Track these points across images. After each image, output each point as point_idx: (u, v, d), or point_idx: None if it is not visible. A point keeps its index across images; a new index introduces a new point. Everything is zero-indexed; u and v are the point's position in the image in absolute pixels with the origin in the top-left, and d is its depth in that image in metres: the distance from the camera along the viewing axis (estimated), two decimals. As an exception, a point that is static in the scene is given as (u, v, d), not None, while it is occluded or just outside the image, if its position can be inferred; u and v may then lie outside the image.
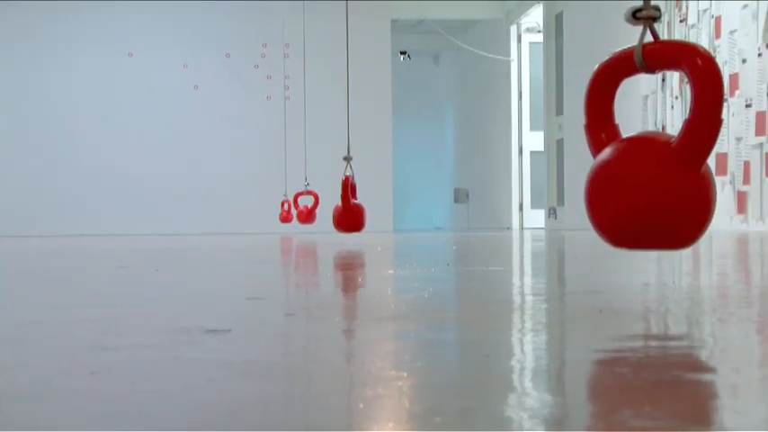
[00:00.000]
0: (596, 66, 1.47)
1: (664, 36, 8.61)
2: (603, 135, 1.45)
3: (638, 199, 1.35)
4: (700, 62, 1.33)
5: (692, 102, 1.33)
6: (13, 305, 1.88)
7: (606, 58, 1.46)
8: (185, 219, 11.97)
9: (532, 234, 8.54)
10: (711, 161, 7.79)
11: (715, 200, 1.38)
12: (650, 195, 1.34)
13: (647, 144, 1.39)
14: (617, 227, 1.39)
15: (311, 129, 10.24)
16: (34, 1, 11.87)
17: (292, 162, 10.24)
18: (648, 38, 1.41)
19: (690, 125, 1.33)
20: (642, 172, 1.35)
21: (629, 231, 1.38)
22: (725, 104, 7.60)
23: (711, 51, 7.83)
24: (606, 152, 1.42)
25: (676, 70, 1.37)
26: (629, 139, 1.42)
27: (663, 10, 8.56)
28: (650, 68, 1.40)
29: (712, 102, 1.32)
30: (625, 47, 1.43)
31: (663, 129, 8.56)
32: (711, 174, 1.38)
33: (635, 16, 1.42)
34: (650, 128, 8.52)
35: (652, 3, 1.42)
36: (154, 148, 12.08)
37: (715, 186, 1.38)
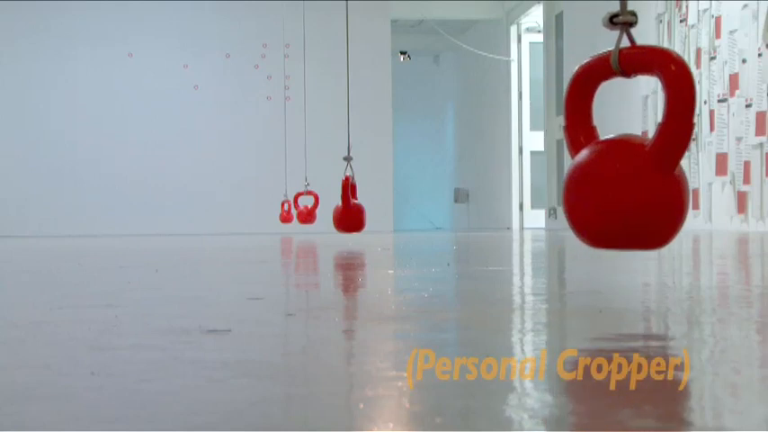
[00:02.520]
0: (575, 69, 1.49)
1: (664, 36, 8.62)
2: (582, 137, 1.48)
3: (612, 200, 1.38)
4: (673, 67, 1.35)
5: (665, 106, 1.36)
6: (12, 305, 1.88)
7: (585, 61, 1.48)
8: (185, 219, 11.97)
9: (532, 234, 8.54)
10: (712, 161, 7.80)
11: (688, 201, 1.40)
12: (624, 197, 1.37)
13: (623, 147, 1.42)
14: (592, 227, 1.42)
15: (311, 129, 10.24)
16: (34, 1, 11.87)
17: (292, 162, 10.24)
18: (626, 42, 1.43)
19: (663, 129, 1.36)
20: (616, 174, 1.38)
21: (603, 232, 1.41)
22: (725, 104, 7.62)
23: (711, 51, 7.84)
24: (582, 154, 1.45)
25: (651, 75, 1.39)
26: (605, 142, 1.45)
27: (663, 10, 8.53)
28: (626, 73, 1.43)
29: (685, 106, 1.35)
30: (602, 51, 1.45)
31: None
32: (685, 176, 1.41)
33: (612, 21, 1.44)
34: (650, 128, 8.53)
35: (629, 9, 1.44)
36: (154, 149, 12.08)
37: (688, 188, 1.41)
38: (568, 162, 1.49)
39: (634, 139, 1.43)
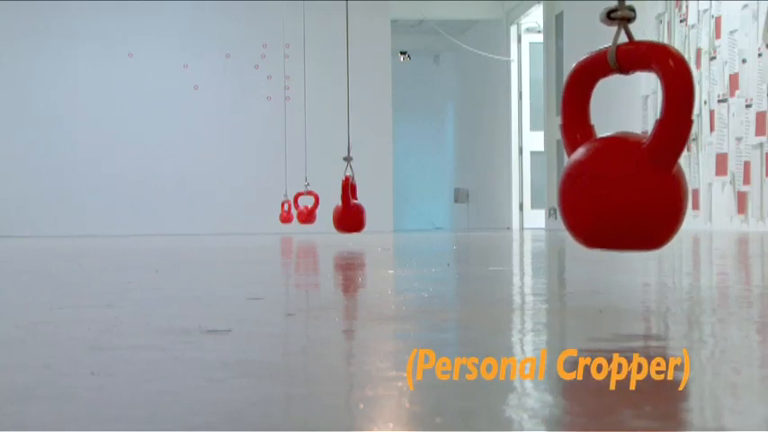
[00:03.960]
0: (572, 66, 1.47)
1: (664, 36, 8.62)
2: (579, 135, 1.45)
3: (609, 199, 1.35)
4: (671, 63, 1.33)
5: (662, 102, 1.33)
6: (12, 305, 1.88)
7: (582, 58, 1.46)
8: (185, 219, 11.97)
9: (533, 234, 8.54)
10: (712, 161, 7.80)
11: (687, 200, 1.37)
12: (621, 196, 1.34)
13: (619, 144, 1.39)
14: (588, 227, 1.39)
15: (311, 129, 10.24)
16: (34, 1, 11.87)
17: (292, 162, 10.24)
18: (624, 39, 1.41)
19: (661, 126, 1.33)
20: (613, 172, 1.35)
21: (600, 232, 1.38)
22: (725, 104, 7.61)
23: (711, 51, 7.84)
24: (579, 152, 1.41)
25: (649, 71, 1.37)
26: (602, 140, 1.42)
27: (663, 10, 8.53)
28: (624, 69, 1.40)
29: (683, 103, 1.32)
30: (600, 47, 1.43)
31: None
32: (683, 174, 1.38)
33: (609, 17, 1.42)
34: (651, 128, 8.52)
35: (627, 3, 1.42)
36: (154, 149, 12.08)
37: (687, 187, 1.38)
38: (566, 161, 1.48)
39: (631, 136, 1.40)
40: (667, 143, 1.33)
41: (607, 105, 8.61)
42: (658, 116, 1.33)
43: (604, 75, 1.44)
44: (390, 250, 4.79)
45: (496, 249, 4.83)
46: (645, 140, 1.36)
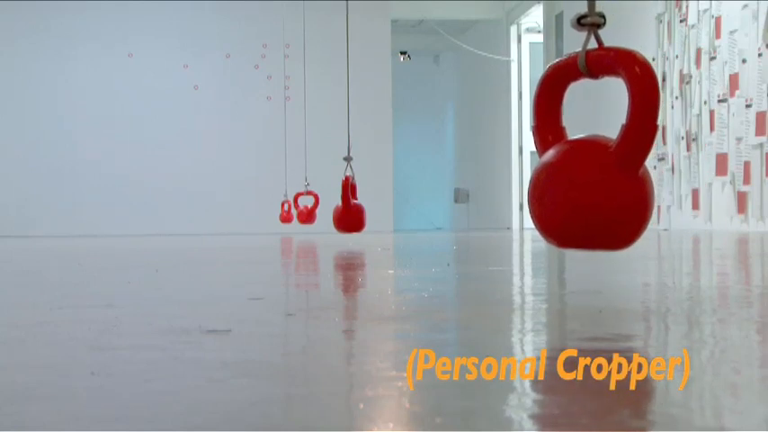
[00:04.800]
0: (544, 69, 1.51)
1: (664, 36, 8.62)
2: (550, 137, 1.48)
3: (577, 200, 1.38)
4: (637, 69, 1.36)
5: (628, 107, 1.36)
6: (12, 305, 1.88)
7: (554, 61, 1.50)
8: (185, 219, 11.97)
9: (532, 234, 8.54)
10: (711, 161, 7.80)
11: (653, 202, 1.41)
12: (587, 197, 1.37)
13: (588, 147, 1.43)
14: (558, 227, 1.43)
15: (311, 129, 10.24)
16: (34, 1, 11.87)
17: (292, 162, 10.24)
18: (593, 44, 1.44)
19: (627, 131, 1.36)
20: (581, 174, 1.39)
21: (569, 232, 1.42)
22: (725, 104, 7.62)
23: (711, 51, 7.84)
24: (549, 154, 1.45)
25: (616, 76, 1.40)
26: (571, 142, 1.46)
27: (663, 10, 8.53)
28: (593, 74, 1.44)
29: (648, 108, 1.35)
30: (571, 52, 1.46)
31: (663, 129, 8.56)
32: (650, 176, 1.42)
33: (579, 23, 1.45)
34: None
35: (597, 10, 1.45)
36: (154, 149, 12.08)
37: (653, 189, 1.42)
38: (536, 162, 1.50)
39: (601, 139, 1.43)
40: (633, 147, 1.36)
41: (601, 106, 8.61)
42: (625, 120, 1.36)
43: (575, 79, 1.48)
44: (390, 250, 4.79)
45: (496, 249, 4.83)
46: (612, 143, 1.38)
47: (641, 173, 1.38)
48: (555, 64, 1.49)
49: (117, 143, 12.05)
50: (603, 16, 1.44)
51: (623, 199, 1.37)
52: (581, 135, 1.47)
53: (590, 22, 1.44)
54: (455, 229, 14.30)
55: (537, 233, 1.47)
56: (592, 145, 1.42)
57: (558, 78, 1.48)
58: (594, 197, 1.36)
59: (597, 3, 1.45)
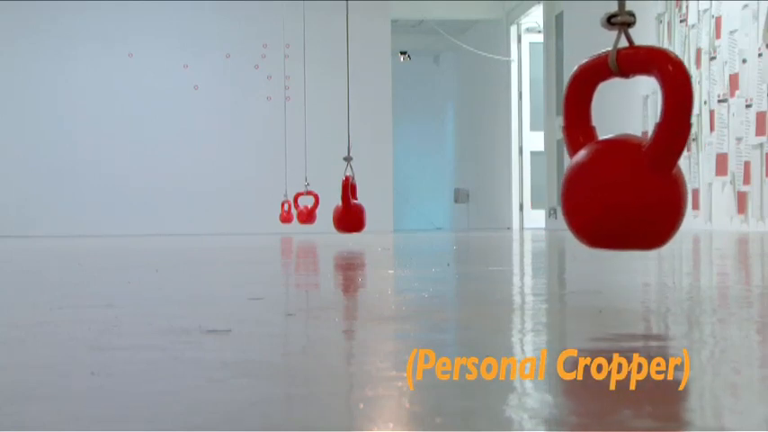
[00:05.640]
0: (574, 69, 1.50)
1: (664, 36, 8.62)
2: (581, 137, 1.48)
3: (609, 200, 1.38)
4: (670, 67, 1.36)
5: (662, 106, 1.36)
6: (12, 305, 1.88)
7: (583, 61, 1.49)
8: (185, 219, 11.97)
9: (532, 234, 8.54)
10: (712, 161, 7.80)
11: (686, 202, 1.41)
12: (621, 197, 1.37)
13: (621, 147, 1.42)
14: (589, 227, 1.42)
15: (311, 129, 10.24)
16: (34, 1, 11.87)
17: (292, 162, 10.24)
18: (624, 43, 1.43)
19: (660, 129, 1.36)
20: (614, 174, 1.38)
21: (601, 232, 1.41)
22: (725, 104, 7.61)
23: (711, 51, 7.84)
24: (581, 154, 1.45)
25: (649, 75, 1.40)
26: (603, 142, 1.45)
27: (662, 10, 8.54)
28: (624, 73, 1.43)
29: (682, 107, 1.35)
30: (601, 51, 1.45)
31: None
32: (683, 176, 1.41)
33: (610, 22, 1.44)
34: (651, 128, 8.52)
35: (627, 9, 1.44)
36: (154, 149, 12.08)
37: (686, 188, 1.41)
38: (569, 162, 1.49)
39: (632, 139, 1.43)
40: (667, 146, 1.35)
41: (607, 106, 8.61)
42: (658, 119, 1.35)
43: (605, 78, 1.47)
44: (390, 250, 4.79)
45: (496, 249, 4.84)
46: (645, 143, 1.38)
47: (674, 172, 1.38)
48: (584, 64, 1.48)
49: (117, 143, 12.05)
50: (633, 15, 1.44)
51: (657, 198, 1.36)
52: (612, 135, 1.46)
53: (620, 20, 1.43)
54: (455, 229, 14.30)
55: (568, 234, 1.47)
56: (625, 144, 1.42)
57: (587, 78, 1.48)
58: (628, 197, 1.36)
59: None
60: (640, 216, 1.37)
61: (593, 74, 1.47)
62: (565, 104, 1.50)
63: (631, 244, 1.43)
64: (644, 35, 8.73)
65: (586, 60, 1.48)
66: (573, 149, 1.48)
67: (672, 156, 1.35)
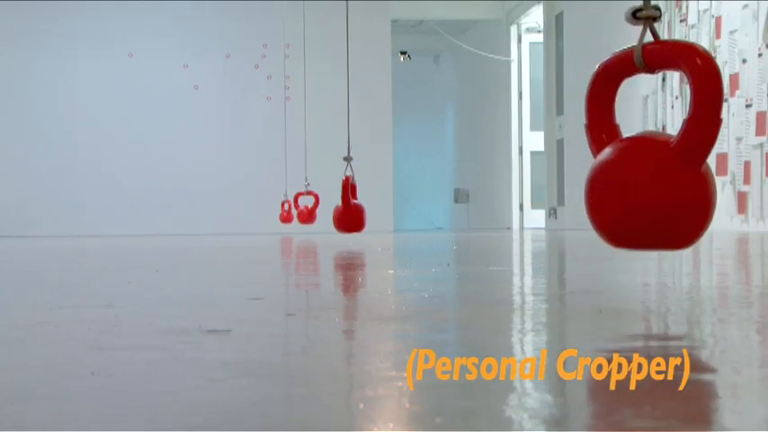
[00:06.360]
0: (597, 66, 1.47)
1: (663, 37, 8.62)
2: (604, 135, 1.46)
3: (637, 199, 1.34)
4: (699, 62, 1.33)
5: (691, 101, 1.33)
6: (12, 305, 1.88)
7: (607, 57, 1.46)
8: (185, 219, 11.97)
9: (533, 234, 8.54)
10: (712, 161, 7.80)
11: (715, 199, 1.37)
12: (650, 195, 1.34)
13: (647, 144, 1.39)
14: (616, 227, 1.39)
15: (311, 129, 10.24)
16: (34, 1, 11.87)
17: (292, 162, 10.25)
18: (649, 38, 1.41)
19: (689, 125, 1.33)
20: (642, 172, 1.35)
21: (628, 231, 1.38)
22: (725, 104, 7.62)
23: (711, 51, 7.84)
24: (606, 152, 1.42)
25: (676, 70, 1.37)
26: (629, 139, 1.42)
27: (663, 10, 8.62)
28: (650, 68, 1.40)
29: (712, 101, 1.32)
30: (625, 47, 1.43)
31: (663, 129, 8.56)
32: (711, 173, 1.38)
33: (635, 16, 1.42)
34: (650, 128, 8.53)
35: (652, 2, 1.42)
36: (154, 149, 12.08)
37: (715, 186, 1.37)
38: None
39: (658, 135, 1.40)
40: (696, 141, 1.32)
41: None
42: (687, 114, 1.33)
43: (630, 74, 1.44)
44: (390, 250, 4.79)
45: (496, 249, 4.83)
46: (672, 139, 1.36)
47: (703, 169, 1.34)
48: (607, 60, 1.45)
49: (117, 143, 12.05)
50: (659, 9, 1.41)
51: (687, 196, 1.33)
52: (637, 132, 1.43)
53: (646, 15, 1.40)
54: (455, 229, 14.30)
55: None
56: (651, 141, 1.39)
57: (611, 75, 1.45)
58: (657, 194, 1.33)
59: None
60: (669, 214, 1.33)
61: (617, 70, 1.44)
62: (587, 102, 1.47)
63: (660, 243, 1.39)
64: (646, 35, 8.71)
65: (610, 56, 1.46)
66: (596, 148, 1.45)
67: (702, 151, 1.32)
